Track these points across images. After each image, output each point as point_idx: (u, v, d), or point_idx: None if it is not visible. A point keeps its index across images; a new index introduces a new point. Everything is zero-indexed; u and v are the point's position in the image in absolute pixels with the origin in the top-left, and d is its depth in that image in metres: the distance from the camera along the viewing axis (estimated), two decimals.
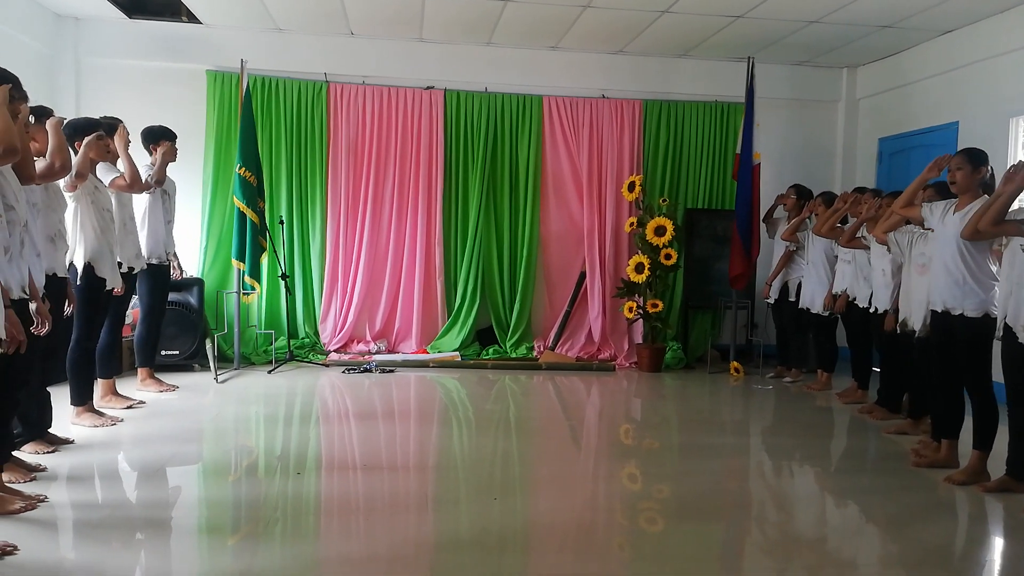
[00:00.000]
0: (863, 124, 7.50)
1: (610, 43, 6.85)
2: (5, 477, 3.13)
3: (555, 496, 3.48)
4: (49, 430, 3.84)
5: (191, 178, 6.46)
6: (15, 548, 2.60)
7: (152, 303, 5.07)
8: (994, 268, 3.54)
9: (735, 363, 6.60)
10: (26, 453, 3.63)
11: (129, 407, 4.70)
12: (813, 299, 5.87)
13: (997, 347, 3.49)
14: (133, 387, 5.12)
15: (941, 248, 3.67)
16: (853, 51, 6.89)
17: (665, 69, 7.18)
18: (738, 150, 6.67)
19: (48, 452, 3.71)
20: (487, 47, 6.96)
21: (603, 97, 7.12)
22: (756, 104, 6.61)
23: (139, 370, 5.22)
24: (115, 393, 4.75)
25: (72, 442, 3.91)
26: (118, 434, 4.16)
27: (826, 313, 5.75)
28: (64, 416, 4.19)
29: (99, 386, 4.62)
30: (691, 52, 7.03)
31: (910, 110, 6.79)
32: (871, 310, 4.92)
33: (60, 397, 4.09)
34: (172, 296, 5.87)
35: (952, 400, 3.89)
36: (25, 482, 3.24)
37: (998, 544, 3.13)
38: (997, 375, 3.58)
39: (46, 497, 3.10)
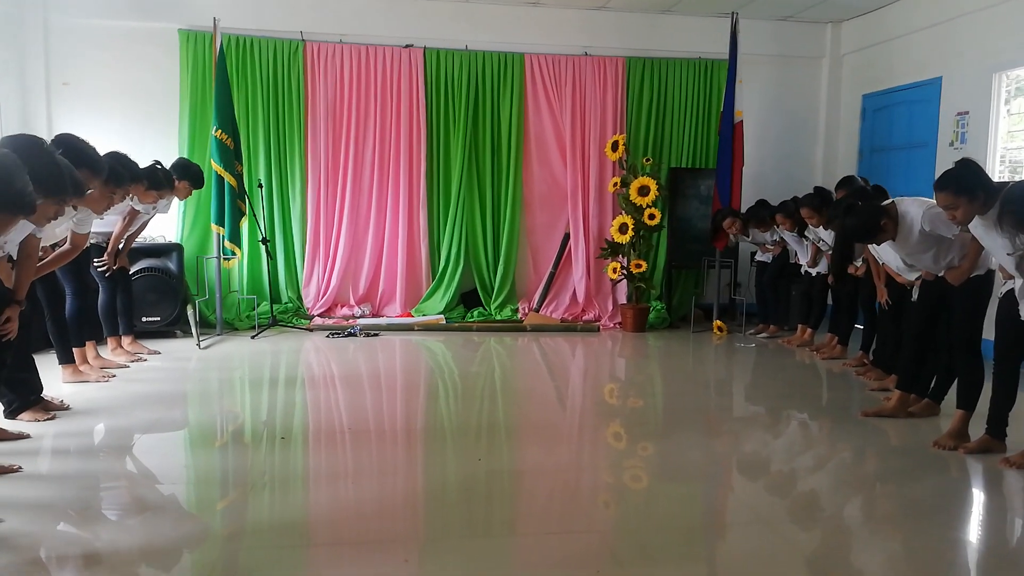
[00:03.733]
0: (847, 80, 7.46)
1: None
2: None
3: (540, 455, 3.50)
4: (43, 395, 3.84)
5: (166, 142, 6.34)
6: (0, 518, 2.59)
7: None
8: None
9: (718, 322, 6.64)
10: (24, 421, 3.63)
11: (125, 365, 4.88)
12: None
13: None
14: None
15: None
16: (837, 6, 6.81)
17: (648, 25, 7.07)
18: (722, 108, 6.63)
19: (47, 419, 3.69)
20: (467, 4, 6.82)
21: (586, 55, 7.02)
22: (740, 61, 6.55)
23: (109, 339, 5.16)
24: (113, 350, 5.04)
25: (69, 408, 3.90)
26: (101, 400, 4.12)
27: (814, 272, 5.79)
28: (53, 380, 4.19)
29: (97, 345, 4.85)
30: (675, 8, 6.92)
31: (894, 66, 6.75)
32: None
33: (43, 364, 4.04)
34: (151, 262, 5.89)
35: (929, 355, 3.96)
36: None
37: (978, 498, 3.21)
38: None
39: (20, 467, 3.06)
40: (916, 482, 3.19)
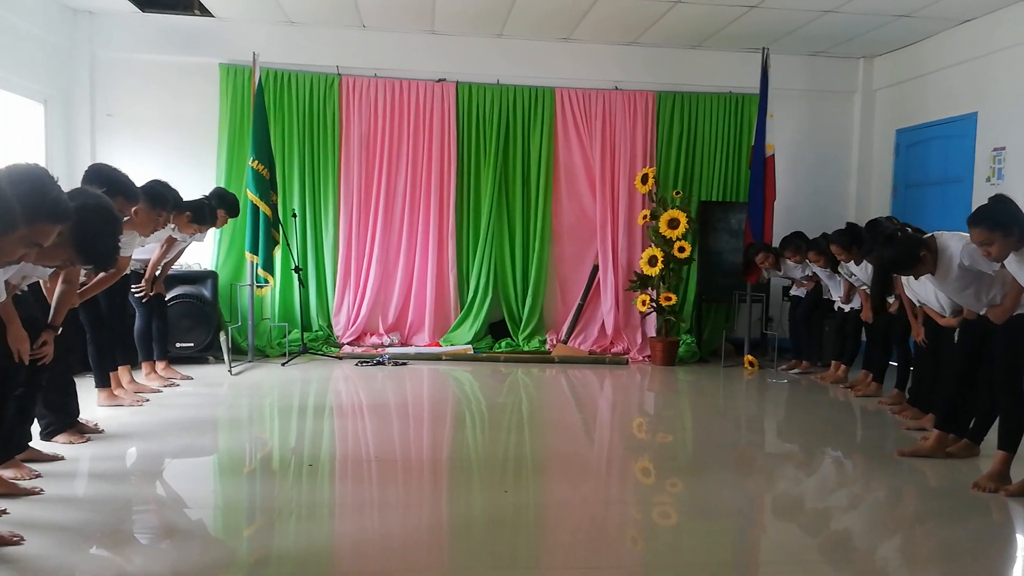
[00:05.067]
0: (880, 115, 7.41)
1: (623, 34, 6.81)
2: (8, 474, 3.13)
3: (567, 489, 3.46)
4: (79, 418, 3.90)
5: (205, 171, 6.50)
6: (22, 538, 2.61)
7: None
8: None
9: (749, 356, 6.55)
10: (59, 443, 3.69)
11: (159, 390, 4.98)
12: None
13: None
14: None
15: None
16: (870, 41, 6.80)
17: (679, 60, 7.12)
18: (753, 142, 6.63)
19: (82, 443, 3.75)
20: (499, 39, 6.93)
21: (616, 89, 7.08)
22: (771, 95, 6.56)
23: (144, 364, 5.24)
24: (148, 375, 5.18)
25: (103, 431, 3.96)
26: (134, 424, 4.18)
27: (847, 307, 5.71)
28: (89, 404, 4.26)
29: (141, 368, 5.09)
30: (705, 43, 6.97)
31: (928, 101, 6.70)
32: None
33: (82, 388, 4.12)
34: (186, 289, 6.01)
35: (972, 395, 3.86)
36: (30, 478, 3.19)
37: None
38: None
39: (42, 490, 3.09)
40: (955, 524, 3.10)
